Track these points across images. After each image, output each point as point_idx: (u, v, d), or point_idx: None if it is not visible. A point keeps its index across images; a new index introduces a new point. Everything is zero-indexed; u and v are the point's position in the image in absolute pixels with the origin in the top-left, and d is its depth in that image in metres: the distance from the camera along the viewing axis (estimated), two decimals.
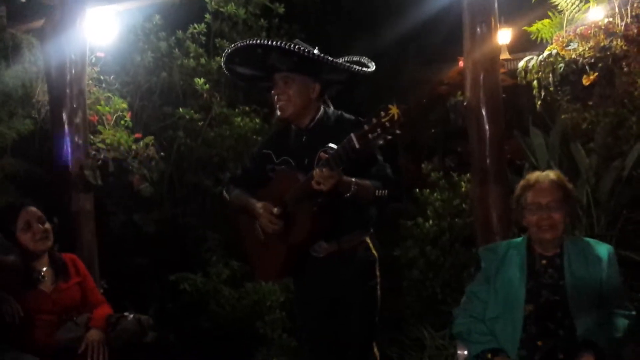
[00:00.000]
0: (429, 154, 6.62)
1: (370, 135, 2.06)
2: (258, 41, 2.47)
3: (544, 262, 2.40)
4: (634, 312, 2.33)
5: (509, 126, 3.76)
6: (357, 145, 2.10)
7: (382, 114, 2.03)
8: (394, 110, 2.02)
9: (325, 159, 2.21)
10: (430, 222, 4.16)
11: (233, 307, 4.18)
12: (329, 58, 2.45)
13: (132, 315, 2.94)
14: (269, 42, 2.43)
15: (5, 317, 2.68)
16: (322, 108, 2.60)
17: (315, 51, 2.47)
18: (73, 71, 3.87)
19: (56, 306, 2.87)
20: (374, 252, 2.59)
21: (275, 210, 2.47)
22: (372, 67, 2.59)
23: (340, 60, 2.54)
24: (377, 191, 2.42)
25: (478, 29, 3.17)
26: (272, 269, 2.63)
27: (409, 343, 3.67)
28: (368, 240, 2.57)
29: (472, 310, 2.45)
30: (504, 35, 5.76)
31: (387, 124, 2.03)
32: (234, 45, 2.54)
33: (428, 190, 4.33)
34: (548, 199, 2.36)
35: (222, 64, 2.66)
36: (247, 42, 2.48)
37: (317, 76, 2.53)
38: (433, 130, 6.74)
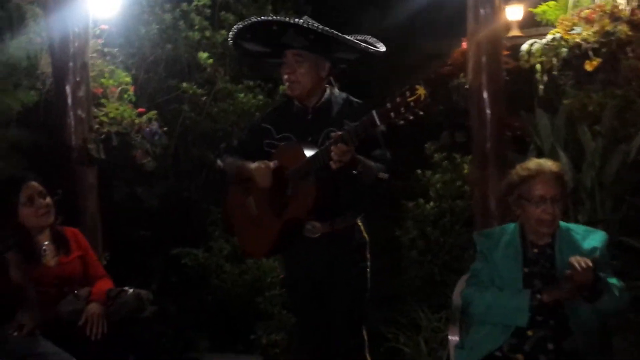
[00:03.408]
0: (435, 131, 6.53)
1: (392, 114, 2.03)
2: (274, 17, 2.42)
3: (535, 250, 2.39)
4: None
5: (516, 106, 3.69)
6: (378, 122, 2.07)
7: (408, 93, 1.99)
8: (420, 90, 1.98)
9: (339, 136, 2.17)
10: (432, 203, 4.14)
11: (234, 282, 4.23)
12: (347, 37, 2.40)
13: (131, 290, 2.95)
14: (286, 19, 2.38)
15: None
16: (327, 88, 2.56)
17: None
18: (76, 44, 3.84)
19: (58, 279, 2.89)
20: (364, 234, 2.59)
21: (271, 164, 2.44)
22: (383, 48, 2.53)
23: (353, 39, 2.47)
24: (379, 173, 2.41)
25: (482, 10, 3.13)
26: (264, 245, 2.60)
27: (405, 323, 3.68)
28: (360, 223, 2.58)
29: (482, 283, 2.42)
30: (515, 12, 5.63)
31: (411, 103, 1.99)
32: (247, 21, 2.46)
33: (430, 172, 4.31)
34: (552, 193, 2.32)
35: (230, 38, 2.58)
36: (262, 18, 2.43)
37: (328, 55, 2.50)
38: (441, 107, 6.64)
